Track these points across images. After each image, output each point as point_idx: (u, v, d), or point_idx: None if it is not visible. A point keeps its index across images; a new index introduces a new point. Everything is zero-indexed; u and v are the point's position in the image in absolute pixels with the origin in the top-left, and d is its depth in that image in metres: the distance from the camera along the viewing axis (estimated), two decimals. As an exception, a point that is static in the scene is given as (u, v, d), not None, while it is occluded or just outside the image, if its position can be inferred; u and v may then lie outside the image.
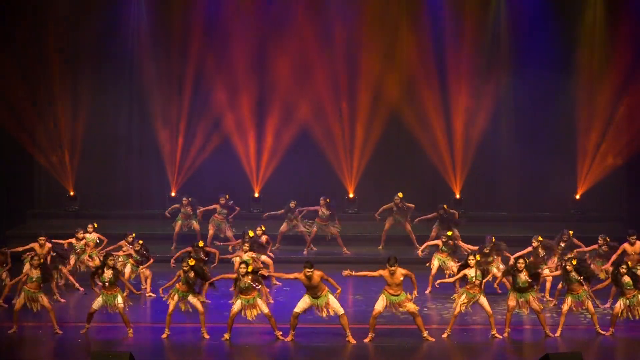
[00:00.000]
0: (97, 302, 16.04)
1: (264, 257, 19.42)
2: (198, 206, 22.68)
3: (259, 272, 15.98)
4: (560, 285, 18.07)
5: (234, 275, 16.02)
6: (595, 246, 19.17)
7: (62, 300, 18.51)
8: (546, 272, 18.04)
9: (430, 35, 25.25)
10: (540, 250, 18.62)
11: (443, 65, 25.28)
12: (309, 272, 15.54)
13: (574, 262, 16.30)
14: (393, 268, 15.62)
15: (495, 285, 18.13)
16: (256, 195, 25.05)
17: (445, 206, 21.93)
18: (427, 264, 19.40)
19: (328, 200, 22.52)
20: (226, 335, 15.73)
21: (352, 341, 15.63)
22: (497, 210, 25.61)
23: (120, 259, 19.27)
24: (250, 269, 15.80)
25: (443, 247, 19.38)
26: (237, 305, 15.71)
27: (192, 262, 15.93)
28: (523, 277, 15.94)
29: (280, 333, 15.82)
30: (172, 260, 19.69)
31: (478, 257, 16.16)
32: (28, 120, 25.22)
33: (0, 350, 15.18)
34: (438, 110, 25.47)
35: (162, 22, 25.27)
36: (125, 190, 25.58)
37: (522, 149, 25.71)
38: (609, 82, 25.03)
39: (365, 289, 18.94)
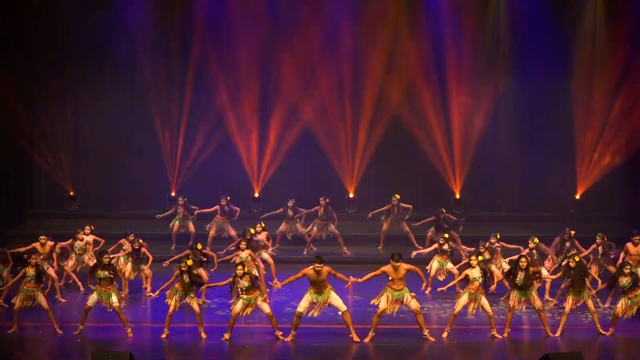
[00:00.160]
0: (92, 299, 16.03)
1: (265, 256, 19.42)
2: (193, 207, 22.66)
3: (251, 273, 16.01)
4: (563, 285, 18.05)
5: (227, 281, 15.95)
6: (594, 246, 19.16)
7: (63, 300, 18.50)
8: (544, 272, 18.05)
9: (430, 36, 25.23)
10: (534, 252, 18.61)
11: (443, 65, 25.27)
12: (318, 267, 15.56)
13: (577, 259, 16.31)
14: (397, 264, 15.64)
15: (492, 289, 18.15)
16: (256, 195, 25.04)
17: (444, 210, 21.92)
18: (427, 268, 19.40)
19: (328, 200, 22.52)
20: (226, 335, 15.73)
21: (356, 339, 15.64)
22: (497, 210, 25.61)
23: (121, 259, 19.29)
24: (246, 269, 15.82)
25: (440, 250, 19.39)
26: (238, 305, 15.70)
27: (190, 262, 15.93)
28: (522, 275, 15.93)
29: (281, 333, 15.82)
30: (167, 262, 19.55)
31: (480, 258, 16.17)
32: (28, 120, 25.22)
33: (1, 350, 15.17)
34: (438, 110, 25.46)
35: (163, 22, 25.26)
36: (125, 190, 25.57)
37: (522, 148, 25.72)
38: (608, 82, 25.03)
39: (365, 289, 18.94)
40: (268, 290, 18.53)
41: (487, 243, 18.90)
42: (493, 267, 18.43)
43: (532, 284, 16.03)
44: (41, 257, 18.45)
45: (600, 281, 18.49)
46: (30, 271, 16.20)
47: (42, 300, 16.14)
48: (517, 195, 25.78)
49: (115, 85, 25.27)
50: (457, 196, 25.16)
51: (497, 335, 15.88)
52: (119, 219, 23.99)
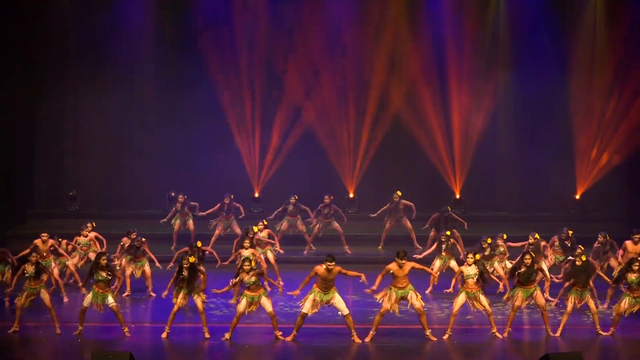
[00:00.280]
0: (87, 299, 16.01)
1: (269, 255, 19.41)
2: (193, 204, 22.68)
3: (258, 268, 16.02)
4: (566, 284, 18.05)
5: (233, 283, 15.96)
6: (596, 244, 19.17)
7: (66, 299, 18.50)
8: (544, 267, 18.06)
9: (430, 36, 25.27)
10: (532, 247, 18.61)
11: (443, 65, 25.30)
12: (331, 265, 15.53)
13: (584, 258, 16.30)
14: (402, 261, 15.64)
15: (501, 289, 18.20)
16: (256, 195, 25.03)
17: (449, 208, 21.92)
18: (432, 266, 19.41)
19: (332, 197, 22.51)
20: (227, 335, 15.72)
21: (357, 340, 15.64)
22: (497, 210, 25.64)
23: (124, 260, 19.28)
24: (253, 264, 15.82)
25: (443, 247, 19.39)
26: (242, 304, 15.68)
27: (192, 259, 15.91)
28: (528, 271, 15.91)
29: (280, 333, 15.81)
30: (172, 262, 19.62)
31: (477, 257, 16.15)
32: (28, 120, 25.24)
33: (1, 350, 15.17)
34: (438, 110, 25.48)
35: (163, 22, 25.28)
36: (125, 190, 25.59)
37: (521, 148, 25.75)
38: (608, 82, 25.06)
39: (363, 289, 18.95)
40: (270, 289, 18.53)
41: (489, 239, 18.88)
42: (496, 265, 18.43)
43: (535, 281, 16.01)
44: (44, 254, 18.49)
45: (606, 277, 18.38)
46: (30, 268, 16.18)
47: (45, 297, 16.12)
48: (517, 195, 25.80)
49: (115, 85, 25.28)
50: (457, 196, 25.17)
51: (497, 334, 15.88)
52: (119, 219, 24.00)
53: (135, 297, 18.99)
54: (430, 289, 19.24)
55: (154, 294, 18.87)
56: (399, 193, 22.74)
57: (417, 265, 15.99)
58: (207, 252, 18.79)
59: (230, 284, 16.00)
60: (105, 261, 16.00)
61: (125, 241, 19.59)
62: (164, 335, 15.82)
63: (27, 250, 18.31)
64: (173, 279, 16.06)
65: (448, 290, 17.95)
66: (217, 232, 22.20)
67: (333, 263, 15.55)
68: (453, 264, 19.16)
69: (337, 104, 25.56)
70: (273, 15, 25.30)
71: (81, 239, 19.71)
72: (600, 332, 16.15)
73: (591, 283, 16.48)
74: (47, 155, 25.78)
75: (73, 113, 25.73)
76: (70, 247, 19.74)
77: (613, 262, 18.86)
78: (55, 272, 18.65)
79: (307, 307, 15.72)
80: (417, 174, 25.67)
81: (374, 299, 16.02)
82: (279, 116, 25.63)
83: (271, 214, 22.68)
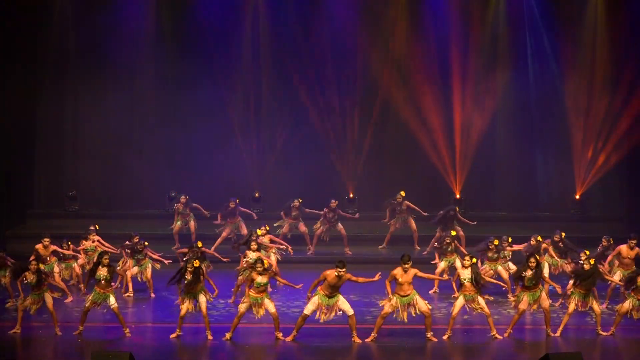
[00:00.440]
0: (90, 300, 16.02)
1: (272, 258, 19.40)
2: (195, 205, 22.67)
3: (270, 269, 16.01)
4: (569, 287, 18.06)
5: (250, 276, 15.96)
6: (600, 248, 19.09)
7: (71, 298, 18.48)
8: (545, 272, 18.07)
9: (430, 36, 25.26)
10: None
11: (443, 65, 25.30)
12: (341, 272, 15.50)
13: (592, 261, 16.30)
14: (407, 265, 15.63)
15: (510, 293, 18.25)
16: (256, 195, 25.02)
17: (457, 208, 21.92)
18: (433, 262, 19.38)
19: (337, 202, 22.47)
20: (227, 335, 15.72)
21: (358, 341, 15.65)
22: (497, 210, 25.62)
23: (128, 261, 19.28)
24: (266, 264, 15.80)
25: (448, 248, 19.36)
26: (245, 304, 15.68)
27: (197, 263, 15.90)
28: (532, 274, 15.90)
29: (281, 334, 15.81)
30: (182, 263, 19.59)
31: (474, 260, 16.16)
32: (28, 120, 25.22)
33: (1, 350, 15.17)
34: (438, 110, 25.47)
35: (163, 22, 25.26)
36: (125, 190, 25.56)
37: (521, 148, 25.74)
38: (608, 82, 25.07)
39: (365, 289, 18.97)
40: (271, 290, 18.54)
41: (496, 241, 18.84)
42: (499, 268, 18.41)
43: (540, 283, 15.99)
44: (46, 258, 18.49)
45: (611, 278, 18.36)
46: (30, 276, 16.14)
47: (49, 300, 16.11)
48: (517, 195, 25.79)
49: (115, 85, 25.26)
50: (457, 196, 25.16)
51: (497, 336, 15.87)
52: (119, 219, 23.98)
53: (136, 297, 18.99)
54: (435, 289, 19.22)
55: (154, 295, 18.87)
56: (403, 193, 22.72)
57: (421, 274, 15.90)
58: (206, 253, 18.79)
59: (239, 284, 16.05)
60: (107, 260, 16.02)
61: (128, 244, 19.57)
62: (173, 335, 15.78)
63: (32, 258, 18.30)
64: (177, 281, 15.98)
65: (455, 295, 17.83)
66: (224, 234, 22.13)
67: (344, 270, 15.52)
68: (458, 264, 19.11)
69: (337, 104, 25.54)
70: (274, 15, 25.29)
71: (88, 244, 19.69)
72: (600, 332, 16.15)
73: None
74: (47, 155, 25.76)
75: (73, 113, 25.71)
76: (80, 249, 19.67)
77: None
78: (57, 276, 18.61)
79: (309, 309, 15.71)
80: (418, 173, 25.65)
81: (377, 302, 16.03)
82: (279, 116, 25.62)
83: (271, 214, 22.64)
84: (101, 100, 25.28)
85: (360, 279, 15.76)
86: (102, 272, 15.97)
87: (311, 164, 25.40)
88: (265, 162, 25.58)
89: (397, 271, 15.71)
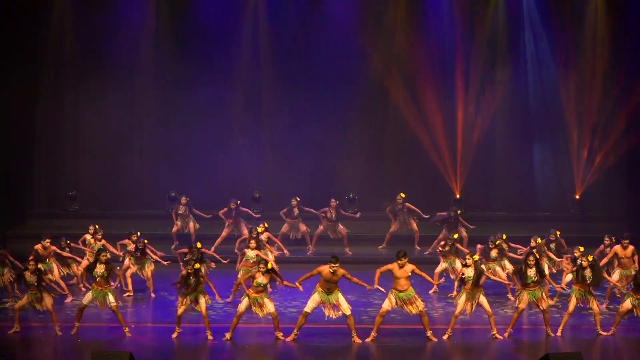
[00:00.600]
0: (87, 297, 16.03)
1: (270, 257, 19.39)
2: (194, 209, 22.67)
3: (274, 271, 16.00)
4: (563, 281, 18.09)
5: (251, 273, 15.98)
6: (601, 247, 19.11)
7: (70, 298, 18.48)
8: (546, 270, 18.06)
9: (430, 36, 25.28)
10: (534, 251, 18.55)
11: (443, 65, 25.33)
12: (334, 267, 15.53)
13: (590, 258, 16.29)
14: (402, 261, 15.63)
15: (508, 287, 18.27)
16: (256, 195, 25.00)
17: (459, 211, 21.90)
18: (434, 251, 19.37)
19: (338, 202, 22.47)
20: (227, 335, 15.72)
21: (358, 341, 15.66)
22: (497, 210, 25.61)
23: (126, 260, 19.29)
24: (269, 265, 15.81)
25: (448, 248, 19.38)
26: (244, 304, 15.68)
27: (197, 265, 15.89)
28: (532, 272, 15.90)
29: (281, 334, 15.81)
30: (181, 263, 19.58)
31: (476, 257, 16.15)
32: (28, 120, 25.22)
33: (1, 350, 15.17)
34: (438, 110, 25.48)
35: (162, 21, 25.26)
36: (125, 190, 25.55)
37: (522, 148, 25.74)
38: (609, 82, 25.08)
39: (360, 289, 18.98)
40: (271, 290, 18.54)
41: (498, 241, 18.85)
42: (498, 268, 18.39)
43: (540, 282, 15.99)
44: (45, 259, 18.52)
45: (612, 280, 18.38)
46: (29, 276, 16.11)
47: (48, 301, 16.10)
48: (517, 196, 25.78)
49: (115, 85, 25.26)
50: (457, 196, 25.15)
51: (497, 335, 15.87)
52: (119, 219, 23.97)
53: (136, 297, 18.99)
54: (434, 289, 19.23)
55: (154, 295, 18.87)
56: (402, 195, 22.71)
57: (418, 271, 15.92)
58: (206, 254, 18.80)
59: (242, 279, 16.08)
60: (105, 257, 16.02)
61: (128, 243, 19.57)
62: (174, 335, 15.78)
63: (31, 257, 18.30)
64: (178, 283, 16.00)
65: (452, 295, 17.89)
66: (223, 234, 22.13)
67: (337, 265, 15.54)
68: (458, 265, 19.13)
69: (337, 104, 25.55)
70: (274, 15, 25.30)
71: (92, 241, 19.72)
72: (600, 332, 16.15)
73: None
74: (47, 155, 25.75)
75: (73, 113, 25.71)
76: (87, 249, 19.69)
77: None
78: (56, 273, 18.62)
79: (309, 306, 15.73)
80: (418, 173, 25.65)
81: (374, 302, 16.03)
82: (279, 116, 25.63)
83: (271, 214, 22.63)
84: (101, 100, 25.29)
85: (354, 279, 15.75)
86: (100, 269, 15.97)
87: (311, 164, 25.40)
88: (265, 162, 25.58)
89: (393, 266, 15.73)
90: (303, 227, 22.45)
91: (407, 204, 22.71)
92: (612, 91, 25.07)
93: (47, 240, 18.75)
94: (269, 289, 16.51)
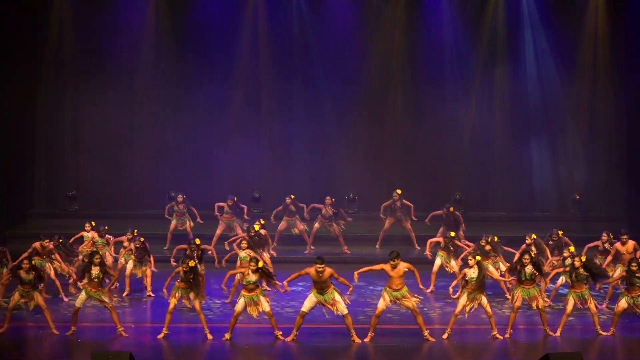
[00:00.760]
0: (80, 299, 16.00)
1: (265, 255, 19.40)
2: (191, 207, 22.68)
3: (266, 269, 16.01)
4: (558, 284, 18.09)
5: (242, 270, 16.02)
6: (598, 242, 19.16)
7: (66, 299, 18.49)
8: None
9: (430, 36, 25.28)
10: (532, 247, 18.60)
11: (443, 64, 25.32)
12: (320, 267, 15.55)
13: (583, 259, 16.29)
14: (394, 262, 15.64)
15: (503, 286, 18.27)
16: (256, 195, 25.01)
17: (451, 208, 21.88)
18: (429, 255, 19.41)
19: (333, 200, 22.49)
20: (227, 335, 15.72)
21: (357, 340, 15.66)
22: (497, 210, 25.61)
23: (122, 259, 19.31)
24: (260, 264, 15.81)
25: (444, 246, 19.40)
26: (240, 304, 15.69)
27: (192, 263, 15.91)
28: (528, 270, 15.92)
29: (280, 333, 15.82)
30: (173, 261, 19.63)
31: (478, 258, 16.14)
32: (28, 120, 25.22)
33: (1, 350, 15.17)
34: (438, 109, 25.49)
35: (162, 21, 25.26)
36: (125, 190, 25.55)
37: (521, 148, 25.72)
38: (609, 81, 25.09)
39: (360, 291, 19.02)
40: (270, 289, 18.56)
41: (490, 238, 18.84)
42: (490, 267, 18.37)
43: (535, 279, 16.00)
44: (43, 256, 18.54)
45: (611, 272, 18.40)
46: (23, 275, 16.09)
47: (39, 299, 16.10)
48: (517, 196, 25.77)
49: (115, 85, 25.27)
50: (457, 196, 25.14)
51: (498, 336, 15.87)
52: (119, 219, 23.93)
53: (135, 297, 18.99)
54: (431, 288, 19.23)
55: (152, 294, 18.86)
56: (399, 191, 22.72)
57: (411, 267, 15.90)
58: (208, 251, 18.81)
59: (229, 273, 16.16)
60: (98, 259, 16.02)
61: (125, 240, 19.59)
62: (160, 336, 15.80)
63: (26, 254, 18.32)
64: (172, 276, 16.06)
65: (455, 296, 17.79)
66: (218, 231, 22.16)
67: (323, 265, 15.56)
68: (453, 263, 19.16)
69: (337, 104, 25.55)
70: (273, 14, 25.30)
71: (94, 235, 19.76)
72: (600, 332, 16.15)
73: (597, 285, 16.47)
74: (47, 155, 25.75)
75: (73, 113, 25.71)
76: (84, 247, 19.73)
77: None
78: (52, 273, 18.64)
79: (306, 306, 15.75)
80: (417, 173, 25.64)
81: (370, 302, 16.03)
82: (279, 116, 25.63)
83: (271, 214, 22.64)
84: (101, 100, 25.30)
85: (341, 279, 15.76)
86: (94, 271, 15.96)
87: (311, 164, 25.42)
88: (265, 162, 25.57)
89: (386, 266, 15.75)
90: (300, 226, 22.45)
91: (404, 200, 22.68)
92: (612, 91, 25.09)
93: (46, 241, 18.78)
94: (265, 288, 16.52)
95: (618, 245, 18.61)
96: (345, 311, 15.72)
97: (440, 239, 19.69)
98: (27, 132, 25.24)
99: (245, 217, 22.48)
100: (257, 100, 25.63)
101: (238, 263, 17.99)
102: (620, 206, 25.38)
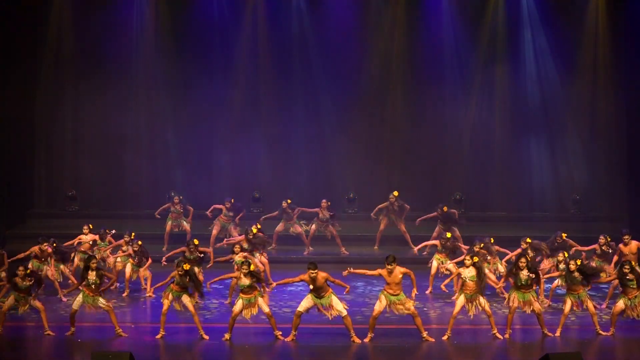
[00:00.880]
0: (77, 302, 15.99)
1: (262, 259, 19.37)
2: (188, 206, 22.67)
3: (257, 273, 15.99)
4: (554, 285, 18.09)
5: (234, 274, 16.07)
6: (596, 246, 19.16)
7: (65, 299, 18.49)
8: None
9: (430, 36, 25.29)
10: (529, 251, 18.59)
11: (444, 65, 25.33)
12: (313, 273, 15.57)
13: (578, 262, 16.29)
14: (391, 266, 15.64)
15: (499, 289, 18.27)
16: (256, 195, 25.02)
17: (445, 208, 21.85)
18: (428, 265, 19.35)
19: (329, 203, 22.48)
20: (227, 336, 15.73)
21: (357, 341, 15.65)
22: (497, 210, 25.61)
23: (119, 260, 19.31)
24: (252, 267, 15.81)
25: (441, 248, 19.39)
26: (238, 305, 15.71)
27: (187, 266, 15.91)
28: (524, 274, 15.93)
29: (280, 333, 15.82)
30: (164, 259, 19.57)
31: (475, 259, 16.13)
32: (28, 120, 25.22)
33: (1, 350, 15.17)
34: (438, 109, 25.48)
35: (162, 20, 25.27)
36: (125, 190, 25.55)
37: (521, 148, 25.72)
38: (609, 81, 25.10)
39: (360, 292, 19.00)
40: (269, 290, 18.57)
41: (482, 244, 18.80)
42: (485, 270, 18.34)
43: (532, 284, 16.00)
44: (42, 259, 18.55)
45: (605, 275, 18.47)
46: (21, 282, 16.06)
47: (34, 302, 16.08)
48: (517, 195, 25.77)
49: (115, 85, 25.27)
50: (457, 196, 25.14)
51: (498, 335, 15.86)
52: (119, 219, 23.97)
53: (135, 297, 18.99)
54: (430, 289, 19.23)
55: (153, 295, 18.86)
56: (396, 193, 22.72)
57: (407, 271, 15.84)
58: (206, 252, 18.81)
59: (227, 275, 16.18)
60: (95, 264, 16.02)
61: (122, 243, 19.58)
62: (158, 336, 15.80)
63: (22, 255, 18.30)
64: (167, 280, 16.07)
65: (455, 298, 17.81)
66: (214, 232, 22.15)
67: (316, 271, 15.57)
68: (450, 265, 19.12)
69: (337, 104, 25.55)
70: (273, 14, 25.30)
71: (98, 241, 19.76)
72: (600, 332, 16.15)
73: (589, 286, 16.46)
74: (47, 155, 25.76)
75: (73, 113, 25.71)
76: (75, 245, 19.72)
77: (608, 269, 18.72)
78: (50, 273, 18.63)
79: (303, 306, 15.76)
80: (417, 173, 25.64)
81: (367, 303, 16.01)
82: (278, 116, 25.62)
83: (270, 214, 22.65)
84: (101, 100, 25.31)
85: (336, 281, 15.77)
86: (92, 276, 15.96)
87: (311, 164, 25.42)
88: (265, 162, 25.56)
89: (383, 272, 15.75)
90: (298, 228, 22.46)
91: (401, 202, 22.66)
92: (612, 90, 25.10)
93: (44, 244, 18.79)
94: (268, 290, 16.52)
95: (621, 246, 18.61)
96: (345, 312, 15.72)
97: (437, 242, 19.68)
98: (27, 132, 25.25)
99: (237, 220, 22.37)
100: (257, 100, 25.64)
101: (235, 267, 18.03)
102: (620, 206, 25.39)
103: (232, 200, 22.39)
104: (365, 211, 24.12)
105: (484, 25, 25.33)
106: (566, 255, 17.63)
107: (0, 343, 15.60)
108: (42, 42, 25.13)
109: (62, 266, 19.15)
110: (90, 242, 19.86)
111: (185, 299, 15.86)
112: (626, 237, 18.58)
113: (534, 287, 16.09)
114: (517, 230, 22.47)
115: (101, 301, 15.93)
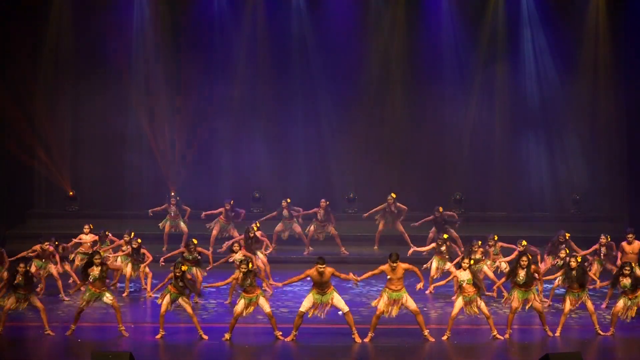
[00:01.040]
0: (84, 299, 15.99)
1: (261, 257, 19.37)
2: (185, 207, 22.66)
3: (256, 271, 16.00)
4: (554, 285, 18.10)
5: (233, 276, 16.04)
6: (597, 246, 19.16)
7: (67, 299, 18.49)
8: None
9: (430, 35, 25.29)
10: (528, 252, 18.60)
11: (444, 64, 25.32)
12: (321, 268, 15.56)
13: (579, 259, 16.29)
14: (395, 264, 15.64)
15: (495, 288, 18.27)
16: (256, 195, 25.02)
17: (440, 209, 21.83)
18: (424, 266, 19.34)
19: (327, 202, 22.48)
20: (227, 335, 15.72)
21: (358, 339, 15.65)
22: (497, 211, 25.60)
23: (119, 259, 19.31)
24: (250, 266, 15.82)
25: (438, 250, 19.39)
26: (240, 304, 15.70)
27: (184, 267, 15.92)
28: (524, 273, 15.92)
29: (280, 333, 15.82)
30: (162, 260, 19.57)
31: (472, 261, 16.14)
32: (28, 120, 25.21)
33: (1, 350, 15.17)
34: (438, 109, 25.49)
35: (164, 20, 25.27)
36: (125, 190, 25.55)
37: (522, 148, 25.72)
38: (609, 81, 25.11)
39: (360, 290, 18.98)
40: (270, 291, 18.58)
41: (480, 242, 18.81)
42: (485, 268, 18.34)
43: (532, 283, 16.01)
44: (42, 259, 18.58)
45: (598, 281, 18.61)
46: (19, 278, 16.06)
47: (35, 301, 16.09)
48: (516, 196, 25.77)
49: (115, 85, 25.27)
50: (457, 196, 25.14)
51: (498, 336, 15.86)
52: (119, 219, 23.98)
53: (135, 297, 19.00)
54: (430, 289, 19.23)
55: (153, 294, 18.86)
56: (394, 195, 22.70)
57: (411, 267, 15.92)
58: (204, 254, 18.80)
59: (222, 283, 16.16)
60: (98, 260, 16.01)
61: (122, 243, 19.58)
62: (158, 336, 15.80)
63: (24, 253, 18.31)
64: (165, 281, 16.08)
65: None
66: (214, 232, 22.14)
67: (324, 266, 15.58)
68: (449, 265, 19.11)
69: (336, 103, 25.56)
70: (273, 14, 25.30)
71: (93, 237, 19.83)
72: (600, 332, 16.16)
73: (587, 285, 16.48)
74: (47, 155, 25.74)
75: (73, 113, 25.71)
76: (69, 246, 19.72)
77: (612, 268, 18.73)
78: (54, 271, 18.65)
79: (305, 306, 15.76)
80: (417, 173, 25.65)
81: (370, 304, 16.01)
82: (279, 116, 25.62)
83: (271, 214, 22.65)
84: (101, 100, 25.30)
85: (343, 275, 15.81)
86: (95, 271, 15.96)
87: (311, 164, 25.42)
88: (265, 162, 25.57)
89: (386, 268, 15.75)
90: (298, 228, 22.46)
91: (398, 204, 22.66)
92: (612, 90, 25.11)
93: (46, 244, 18.80)
94: (269, 290, 16.52)
95: (624, 244, 18.60)
96: (347, 309, 15.74)
97: (433, 245, 19.69)
98: (27, 132, 25.23)
99: (240, 219, 22.35)
100: (257, 100, 25.64)
101: (235, 265, 18.03)
102: (620, 206, 25.39)
103: (232, 201, 22.37)
104: (365, 211, 24.09)
105: (484, 25, 25.33)
106: (567, 251, 17.61)
107: (0, 343, 15.61)
108: (41, 42, 25.12)
109: (66, 265, 19.16)
110: (91, 243, 19.85)
111: (182, 300, 15.84)
112: (630, 235, 18.57)
113: (534, 286, 16.08)
114: (517, 230, 22.49)
115: (107, 296, 15.93)
